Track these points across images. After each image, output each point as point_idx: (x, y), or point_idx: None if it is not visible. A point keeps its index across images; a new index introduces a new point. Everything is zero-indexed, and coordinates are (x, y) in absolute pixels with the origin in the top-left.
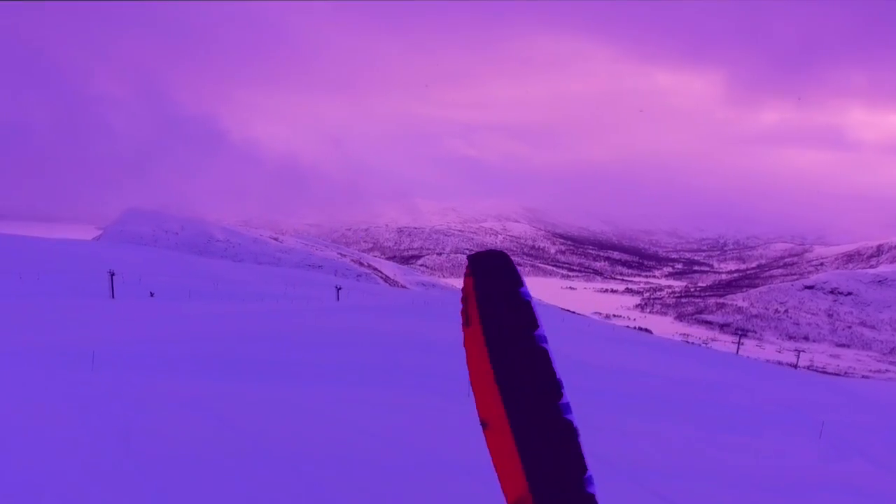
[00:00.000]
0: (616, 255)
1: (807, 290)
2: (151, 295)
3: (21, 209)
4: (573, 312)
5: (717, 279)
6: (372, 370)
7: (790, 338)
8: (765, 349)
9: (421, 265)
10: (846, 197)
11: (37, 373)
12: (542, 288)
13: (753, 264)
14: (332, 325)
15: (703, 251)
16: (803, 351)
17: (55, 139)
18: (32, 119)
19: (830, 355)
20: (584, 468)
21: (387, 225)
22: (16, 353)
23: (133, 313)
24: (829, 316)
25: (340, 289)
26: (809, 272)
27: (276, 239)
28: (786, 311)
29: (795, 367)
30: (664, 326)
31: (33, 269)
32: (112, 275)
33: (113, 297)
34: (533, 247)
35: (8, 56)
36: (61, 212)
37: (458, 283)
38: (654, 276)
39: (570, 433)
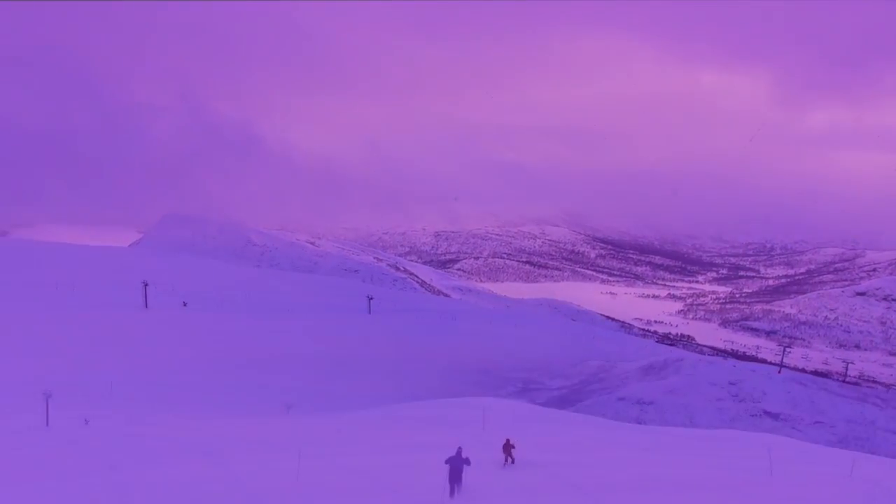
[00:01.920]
0: (658, 259)
1: (858, 297)
2: (184, 304)
3: (65, 211)
4: (613, 319)
5: (763, 285)
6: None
7: (840, 346)
8: (811, 360)
9: (458, 269)
10: None
11: None
12: (581, 293)
13: (802, 269)
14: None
15: (750, 256)
16: (852, 363)
17: (95, 143)
18: (73, 124)
19: (883, 364)
20: None
21: (424, 229)
22: None
23: (160, 331)
24: (883, 323)
25: (372, 299)
26: (861, 278)
27: (312, 243)
28: (836, 318)
29: (844, 378)
30: (708, 333)
31: (72, 278)
32: (146, 285)
33: (146, 307)
34: (572, 251)
35: (46, 60)
36: (103, 215)
37: (497, 287)
38: (697, 282)
39: None
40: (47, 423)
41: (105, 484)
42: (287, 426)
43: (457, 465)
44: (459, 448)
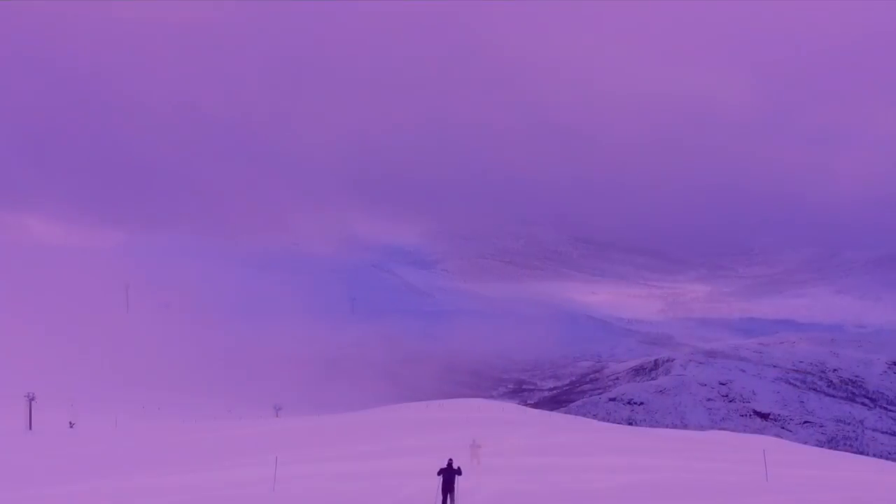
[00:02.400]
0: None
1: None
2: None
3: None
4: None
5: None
6: None
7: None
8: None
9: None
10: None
11: None
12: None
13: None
14: None
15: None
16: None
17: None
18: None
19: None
20: None
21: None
22: None
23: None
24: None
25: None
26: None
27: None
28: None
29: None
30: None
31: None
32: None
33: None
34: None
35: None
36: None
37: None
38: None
39: None
40: (30, 427)
41: (88, 493)
42: (274, 428)
43: (449, 477)
44: (450, 459)
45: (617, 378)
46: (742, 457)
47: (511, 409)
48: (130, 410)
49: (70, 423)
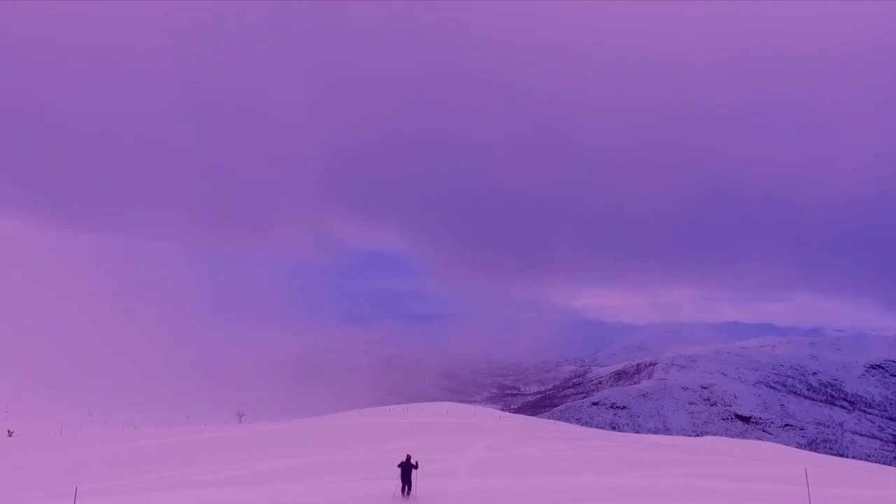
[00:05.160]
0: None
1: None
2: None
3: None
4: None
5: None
6: None
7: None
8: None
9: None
10: None
11: None
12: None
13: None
14: None
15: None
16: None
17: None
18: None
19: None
20: None
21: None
22: None
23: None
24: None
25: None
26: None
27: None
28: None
29: None
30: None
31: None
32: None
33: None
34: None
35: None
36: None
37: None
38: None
39: None
40: None
41: None
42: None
43: (406, 469)
44: (408, 455)
45: (600, 382)
46: (756, 472)
47: (485, 413)
48: (83, 418)
49: (9, 431)
